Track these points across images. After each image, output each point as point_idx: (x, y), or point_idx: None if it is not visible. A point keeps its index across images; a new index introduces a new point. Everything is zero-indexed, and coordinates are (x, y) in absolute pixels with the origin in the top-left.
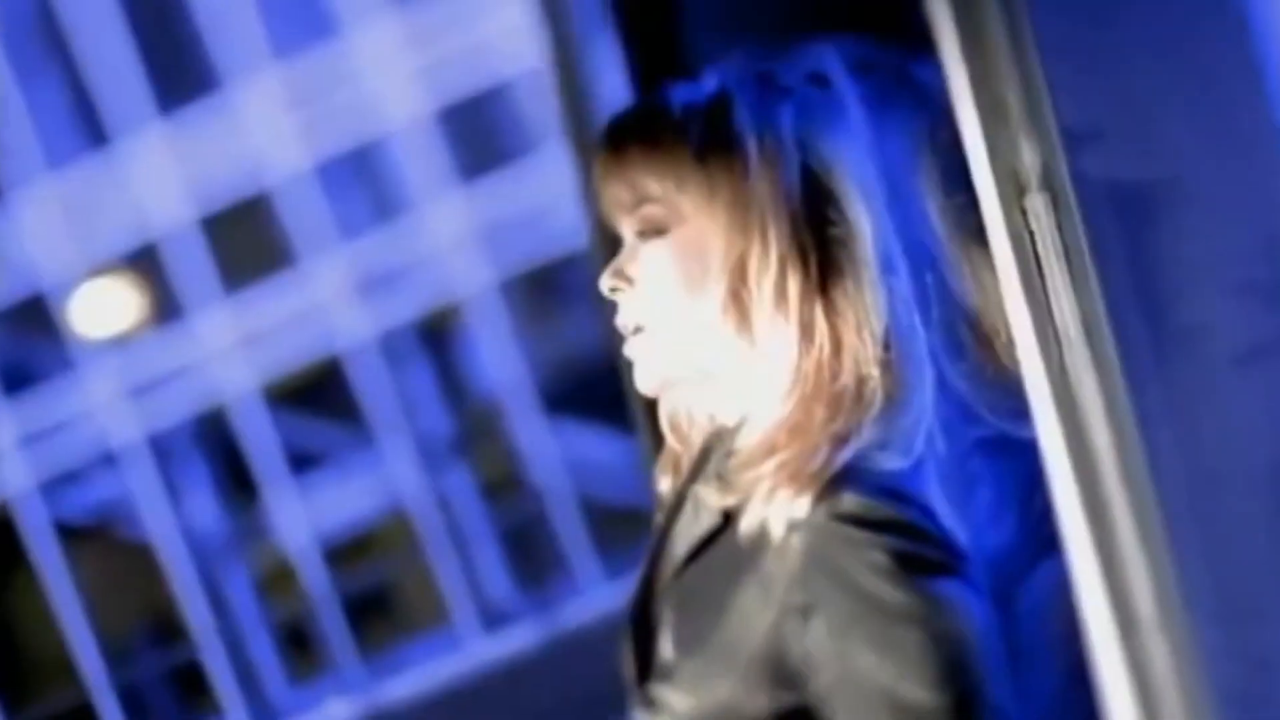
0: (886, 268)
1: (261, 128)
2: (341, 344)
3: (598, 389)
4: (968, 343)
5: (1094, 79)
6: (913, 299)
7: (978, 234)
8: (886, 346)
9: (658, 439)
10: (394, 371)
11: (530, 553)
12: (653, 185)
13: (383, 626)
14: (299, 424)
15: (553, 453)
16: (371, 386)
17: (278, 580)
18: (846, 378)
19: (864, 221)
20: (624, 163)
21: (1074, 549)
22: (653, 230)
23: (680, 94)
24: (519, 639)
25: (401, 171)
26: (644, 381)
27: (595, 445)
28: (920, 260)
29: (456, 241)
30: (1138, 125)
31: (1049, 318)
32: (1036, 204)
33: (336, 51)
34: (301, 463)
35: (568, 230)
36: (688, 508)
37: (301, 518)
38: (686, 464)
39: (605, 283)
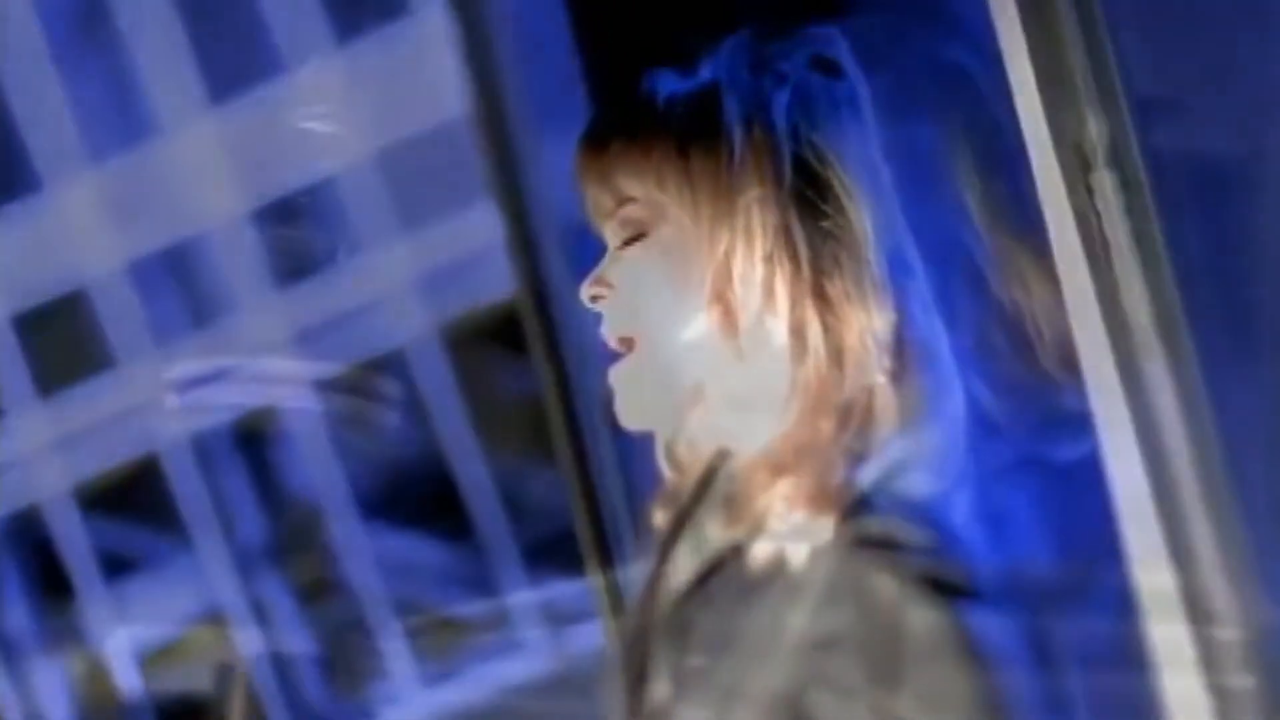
0: (900, 268)
1: (77, 228)
2: (157, 446)
3: (417, 494)
4: (1001, 350)
5: (1168, 42)
6: (935, 303)
7: (1017, 228)
8: (899, 354)
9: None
10: (209, 474)
11: (347, 658)
12: (633, 184)
13: None
14: (113, 527)
15: (370, 557)
16: (187, 489)
17: (91, 684)
18: (851, 388)
19: (866, 218)
20: (603, 162)
21: (1146, 573)
22: (635, 233)
23: (666, 85)
24: None
25: (218, 273)
26: (627, 415)
27: (414, 550)
28: (949, 260)
29: (273, 344)
30: (1217, 93)
31: (1118, 310)
32: (1104, 182)
33: (153, 152)
34: (116, 566)
35: (385, 333)
36: (688, 536)
37: (116, 621)
38: (686, 494)
39: (585, 291)
